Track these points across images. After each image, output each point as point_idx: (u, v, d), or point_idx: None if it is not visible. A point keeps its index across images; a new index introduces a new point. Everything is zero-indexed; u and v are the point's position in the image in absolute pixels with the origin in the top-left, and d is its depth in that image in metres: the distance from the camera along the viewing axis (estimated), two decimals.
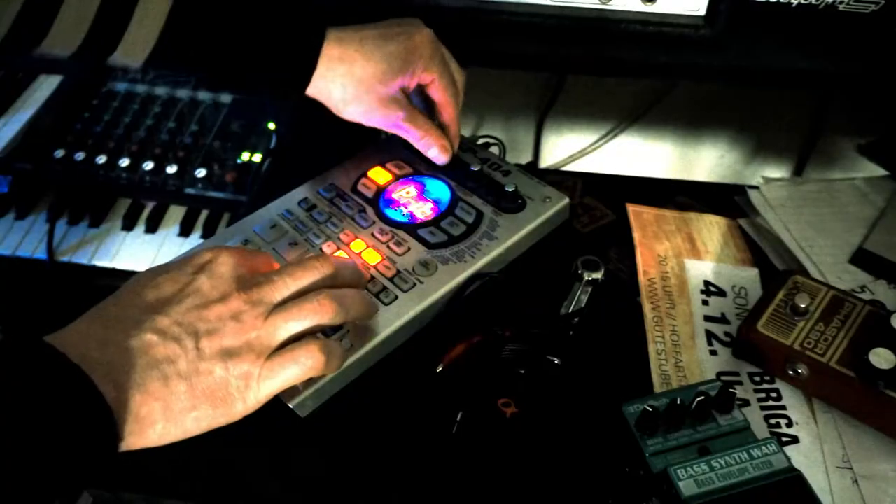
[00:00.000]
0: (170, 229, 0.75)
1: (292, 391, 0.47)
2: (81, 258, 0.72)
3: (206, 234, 0.74)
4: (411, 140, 0.61)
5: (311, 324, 0.42)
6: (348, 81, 0.56)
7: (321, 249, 0.57)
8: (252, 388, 0.40)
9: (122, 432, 0.36)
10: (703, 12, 0.60)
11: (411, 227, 0.59)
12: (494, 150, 0.69)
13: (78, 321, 0.39)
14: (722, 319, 0.59)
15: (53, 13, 0.48)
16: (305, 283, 0.43)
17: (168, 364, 0.38)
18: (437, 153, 0.62)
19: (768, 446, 0.44)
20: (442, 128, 0.62)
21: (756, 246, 0.66)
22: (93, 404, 0.35)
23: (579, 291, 0.59)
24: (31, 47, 0.49)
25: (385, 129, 0.61)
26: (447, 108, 0.62)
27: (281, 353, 0.41)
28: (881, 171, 0.72)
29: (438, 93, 0.61)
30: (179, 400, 0.38)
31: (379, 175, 0.64)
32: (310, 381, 0.47)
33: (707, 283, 0.62)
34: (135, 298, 0.40)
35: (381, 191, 0.63)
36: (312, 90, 0.56)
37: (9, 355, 0.35)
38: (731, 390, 0.47)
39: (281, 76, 0.55)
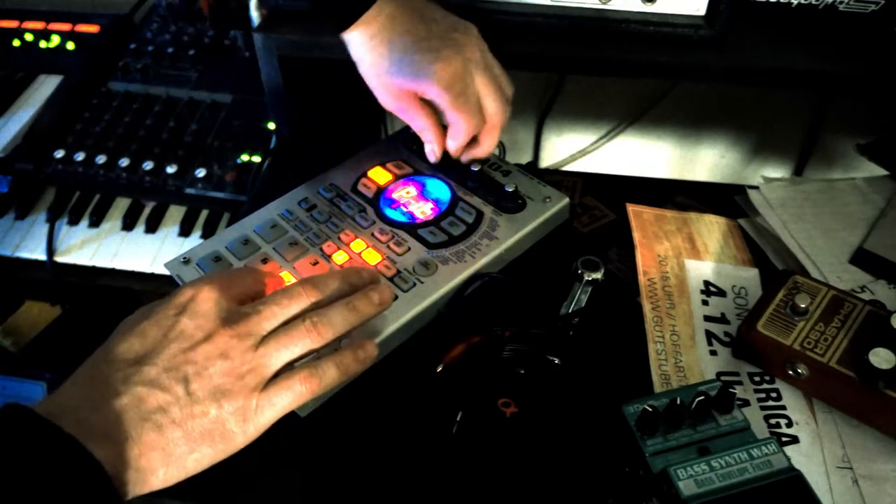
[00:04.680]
0: (170, 229, 0.75)
1: None
2: (81, 258, 0.72)
3: (206, 234, 0.74)
4: (446, 114, 0.58)
5: (302, 351, 0.42)
6: (406, 32, 0.53)
7: (321, 249, 0.57)
8: (250, 420, 0.40)
9: (124, 488, 0.37)
10: (703, 12, 0.60)
11: (411, 227, 0.59)
12: (494, 150, 0.69)
13: (73, 380, 0.39)
14: (722, 319, 0.59)
15: None
16: (293, 311, 0.43)
17: (160, 413, 0.38)
18: (433, 148, 0.61)
19: (768, 446, 0.44)
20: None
21: (756, 246, 0.66)
22: (89, 472, 0.35)
23: (579, 291, 0.59)
24: None
25: (424, 94, 0.56)
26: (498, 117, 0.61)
27: (276, 383, 0.41)
28: (881, 171, 0.72)
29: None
30: (177, 446, 0.38)
31: (379, 175, 0.64)
32: None
33: (707, 283, 0.62)
34: (122, 351, 0.40)
35: (381, 191, 0.63)
36: (372, 29, 0.53)
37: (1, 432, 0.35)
38: (731, 390, 0.47)
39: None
